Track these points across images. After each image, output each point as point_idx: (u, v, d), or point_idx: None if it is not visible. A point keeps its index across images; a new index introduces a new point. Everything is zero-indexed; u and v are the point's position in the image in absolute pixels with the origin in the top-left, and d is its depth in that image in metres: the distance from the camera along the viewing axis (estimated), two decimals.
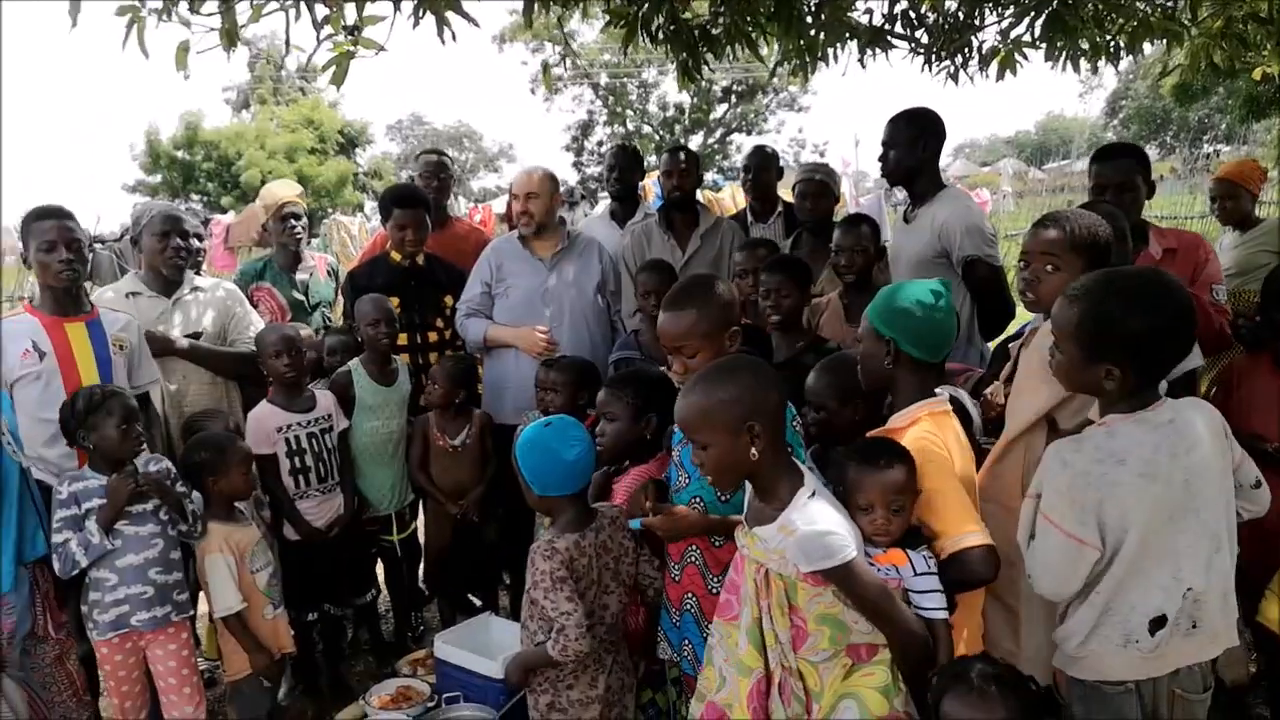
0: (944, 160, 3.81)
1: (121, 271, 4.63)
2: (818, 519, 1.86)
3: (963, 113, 34.92)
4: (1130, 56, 4.36)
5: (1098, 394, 1.95)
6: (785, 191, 4.77)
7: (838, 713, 1.91)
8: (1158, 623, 1.86)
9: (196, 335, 3.58)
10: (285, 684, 3.16)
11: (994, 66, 4.40)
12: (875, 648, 1.93)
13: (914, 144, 3.56)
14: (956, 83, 4.73)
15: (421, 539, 4.06)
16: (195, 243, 3.75)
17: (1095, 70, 4.84)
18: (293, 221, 4.35)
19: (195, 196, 26.64)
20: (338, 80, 3.39)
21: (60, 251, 3.06)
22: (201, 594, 3.25)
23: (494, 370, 4.05)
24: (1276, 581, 2.67)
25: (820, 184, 4.18)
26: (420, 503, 3.99)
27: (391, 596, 4.18)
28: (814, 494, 1.91)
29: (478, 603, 4.18)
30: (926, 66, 4.76)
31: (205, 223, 11.88)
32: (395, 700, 3.40)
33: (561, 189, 4.44)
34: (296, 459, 3.50)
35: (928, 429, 2.11)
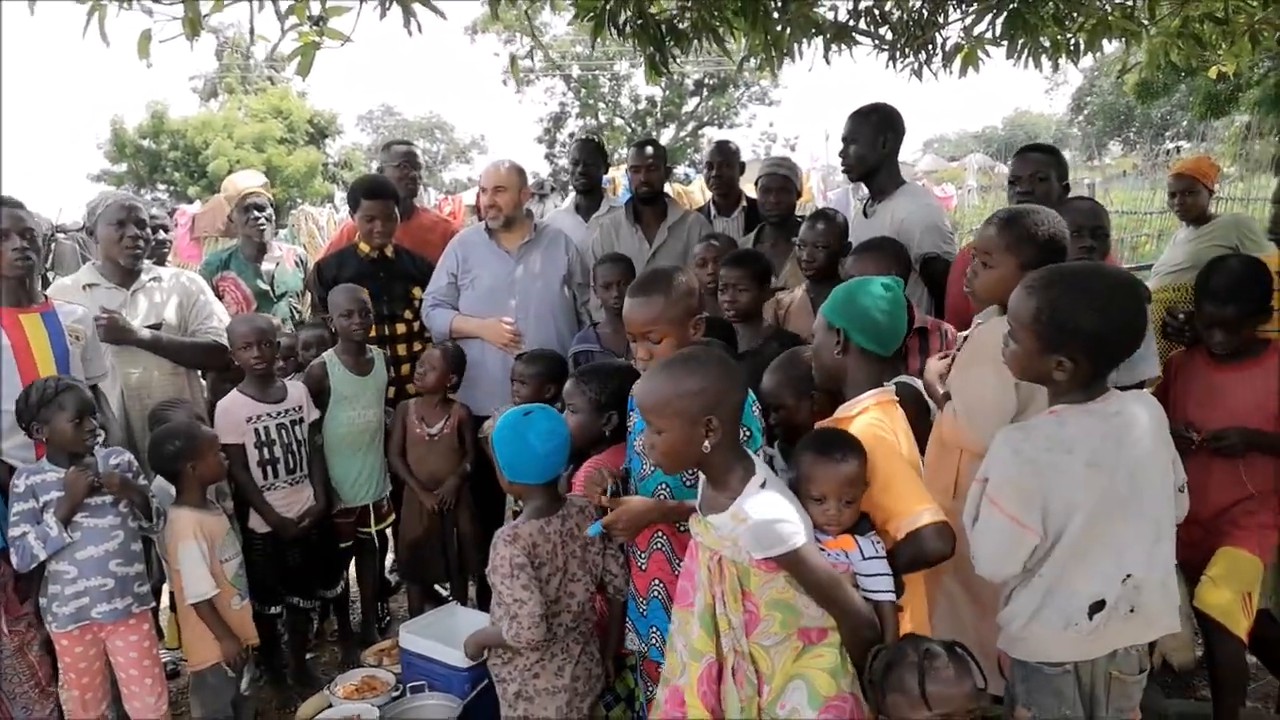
0: (913, 155, 3.89)
1: (84, 261, 4.57)
2: (769, 507, 1.90)
3: (932, 109, 35.23)
4: (1091, 54, 4.44)
5: (1047, 384, 2.00)
6: (748, 186, 4.82)
7: (787, 694, 1.96)
8: (1096, 607, 1.92)
9: (158, 325, 3.56)
10: (248, 674, 3.15)
11: (957, 63, 4.47)
12: (825, 631, 1.98)
13: (874, 139, 3.62)
14: (920, 79, 4.79)
15: (390, 530, 4.06)
16: (159, 233, 3.71)
17: (1056, 67, 4.92)
18: (256, 212, 4.33)
19: (161, 186, 26.25)
20: (303, 70, 3.38)
21: (13, 240, 3.02)
22: (165, 585, 3.26)
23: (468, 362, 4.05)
24: (1212, 567, 2.76)
25: (783, 179, 4.23)
26: (394, 492, 3.99)
27: (360, 587, 4.19)
28: (765, 483, 1.96)
29: (445, 593, 4.20)
30: (891, 63, 4.82)
31: (171, 213, 11.75)
32: (360, 690, 3.41)
33: (532, 181, 4.45)
34: (265, 450, 3.50)
35: (876, 416, 2.17)
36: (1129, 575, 1.92)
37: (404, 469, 3.83)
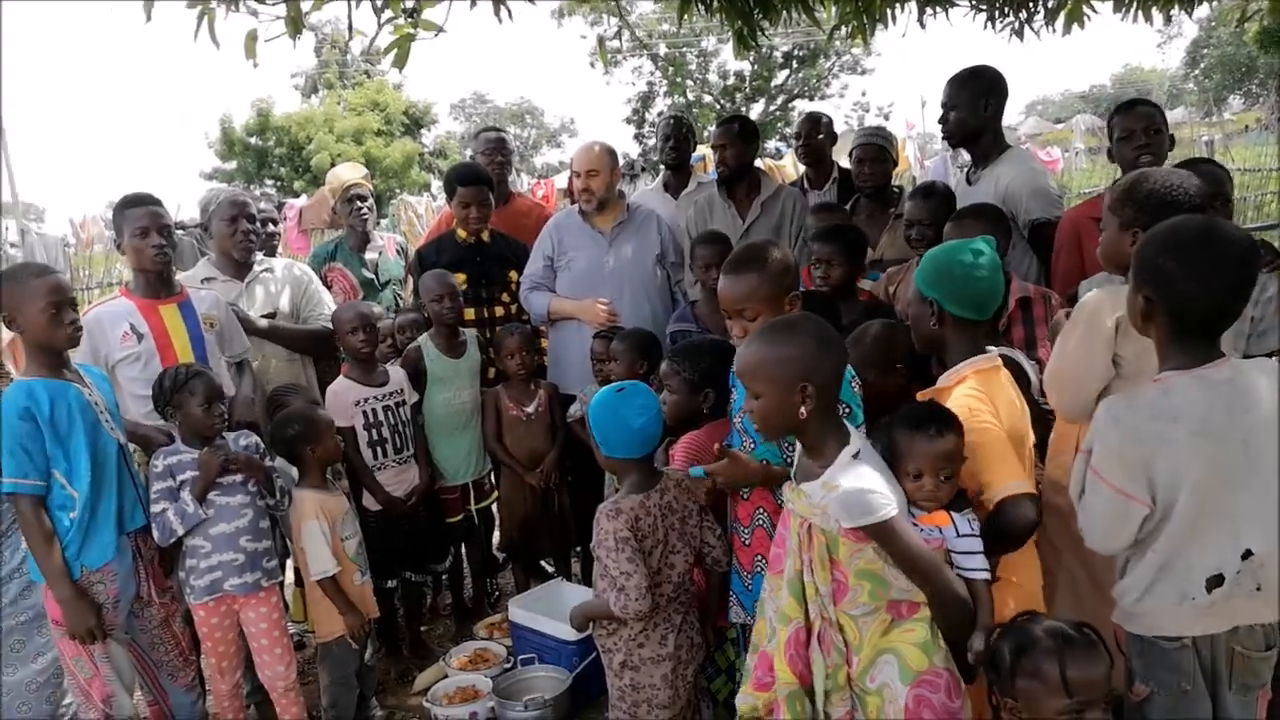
0: (1015, 118, 3.77)
1: (201, 256, 4.83)
2: (860, 477, 1.90)
3: (1034, 69, 33.83)
4: (1207, 2, 4.21)
5: (1134, 322, 1.95)
6: (842, 157, 4.74)
7: (877, 667, 1.96)
8: (1215, 581, 1.85)
9: (272, 314, 3.74)
10: (370, 646, 3.31)
11: (1061, 20, 4.30)
12: (916, 605, 1.97)
13: (975, 104, 3.52)
14: (1021, 39, 4.63)
15: (495, 507, 4.19)
16: (269, 226, 3.89)
17: (1169, 19, 4.68)
18: (359, 203, 4.48)
19: (269, 181, 27.32)
20: (399, 63, 3.48)
21: (153, 237, 3.22)
22: (290, 561, 3.44)
23: (557, 342, 4.15)
24: None
25: (877, 148, 4.15)
26: (495, 472, 4.11)
27: (469, 563, 4.33)
28: (858, 453, 1.96)
29: (550, 569, 4.31)
30: (990, 23, 4.66)
31: (279, 207, 12.24)
32: (473, 662, 3.55)
33: (622, 162, 4.48)
34: (374, 431, 3.65)
35: (974, 386, 2.13)
36: (1249, 551, 1.84)
37: (502, 451, 3.94)
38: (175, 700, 3.10)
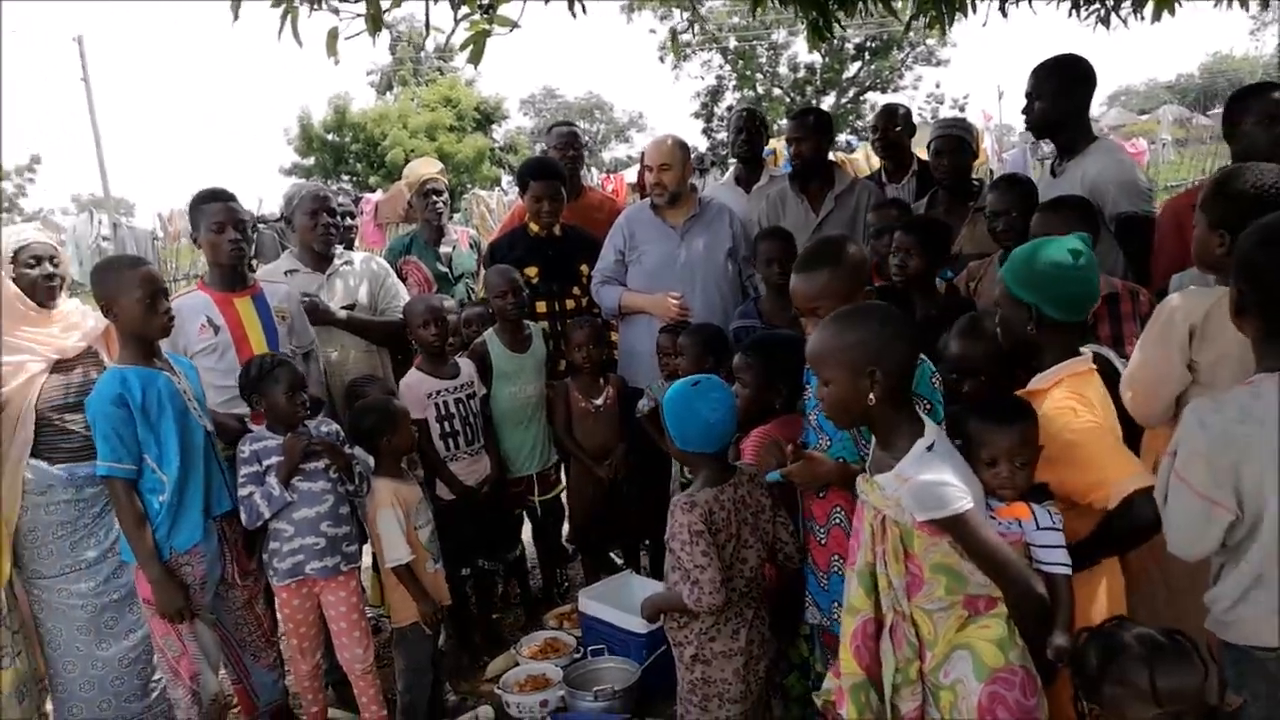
0: (1097, 109, 3.65)
1: (283, 249, 4.96)
2: (934, 469, 1.87)
3: (1117, 58, 32.64)
4: None
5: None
6: (920, 149, 4.66)
7: (951, 663, 1.92)
8: None
9: (351, 306, 3.83)
10: (443, 633, 3.38)
11: (1149, 7, 4.14)
12: (994, 600, 1.93)
13: (1060, 94, 3.41)
14: (1108, 27, 4.48)
15: (564, 499, 4.22)
16: (347, 220, 3.98)
17: (1266, 3, 4.48)
18: (434, 197, 4.55)
19: (345, 177, 27.93)
20: (475, 59, 3.51)
21: (229, 232, 3.32)
22: (368, 546, 3.52)
23: (628, 336, 4.15)
24: None
25: (956, 140, 4.06)
26: (563, 464, 4.15)
27: (538, 554, 4.38)
28: (933, 445, 1.92)
29: (619, 561, 4.34)
30: (1074, 11, 4.52)
31: (356, 201, 12.51)
32: (544, 651, 3.59)
33: (691, 157, 4.47)
34: (446, 423, 3.71)
35: (1071, 388, 2.08)
36: None
37: (571, 443, 3.97)
38: (258, 679, 3.20)
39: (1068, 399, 2.06)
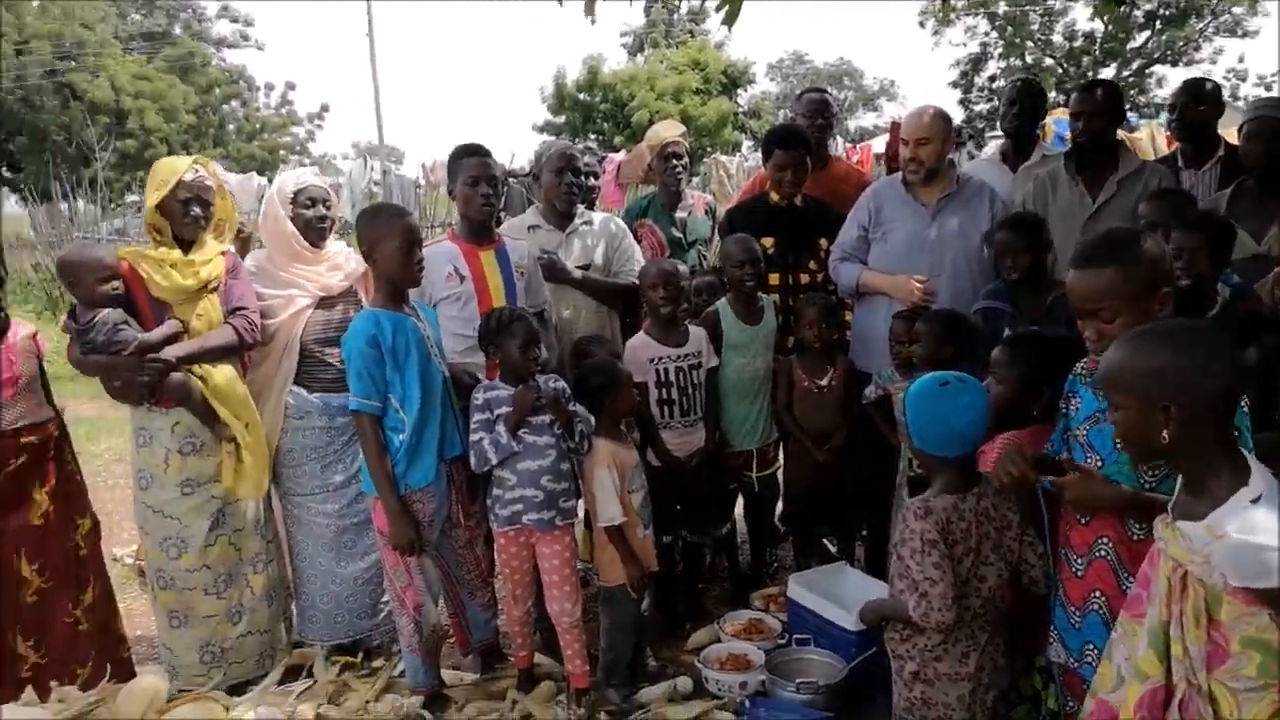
0: None
1: (529, 204, 5.12)
2: (1259, 528, 1.54)
3: None
4: None
5: None
6: (1228, 133, 4.06)
7: None
8: None
9: (586, 266, 3.86)
10: (648, 598, 3.38)
11: None
12: None
13: None
14: None
15: (781, 478, 4.11)
16: (590, 179, 4.01)
17: None
18: (674, 161, 4.51)
19: (592, 136, 28.79)
20: (730, 19, 3.41)
21: (481, 186, 3.43)
22: (581, 502, 3.57)
23: (864, 318, 3.94)
24: None
25: (1275, 123, 3.49)
26: (782, 442, 4.03)
27: (749, 530, 4.30)
28: (1260, 498, 1.58)
29: (833, 549, 4.18)
30: None
31: (600, 160, 12.81)
32: (747, 631, 3.52)
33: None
34: (663, 390, 3.68)
35: None
36: None
37: (791, 422, 3.85)
38: (472, 616, 3.35)
39: None
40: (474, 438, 3.07)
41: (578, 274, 3.81)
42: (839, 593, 3.38)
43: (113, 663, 3.29)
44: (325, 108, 34.20)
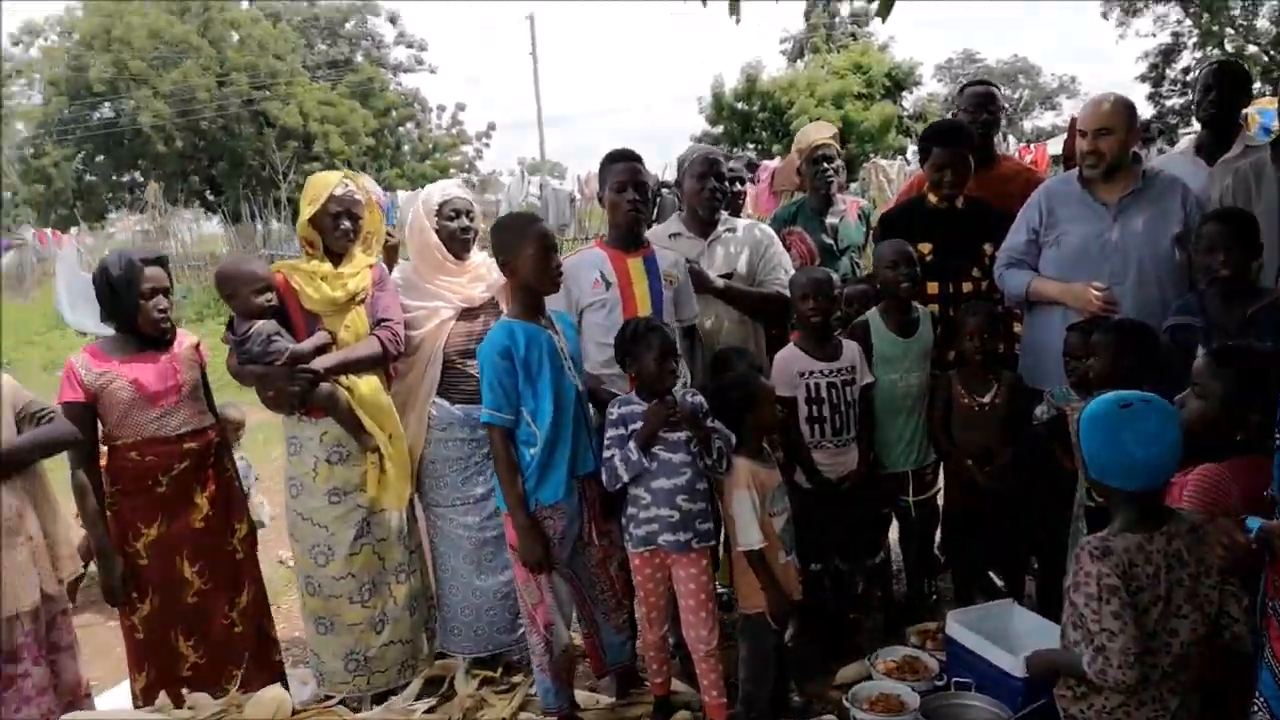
0: None
1: (678, 211, 5.02)
2: None
3: None
4: None
5: None
6: None
7: None
8: None
9: (729, 275, 3.71)
10: (791, 628, 3.18)
11: None
12: None
13: None
14: None
15: (941, 503, 3.83)
16: (735, 185, 3.87)
17: None
18: (825, 164, 4.29)
19: (750, 145, 28.57)
20: (884, 12, 3.20)
21: (629, 192, 3.36)
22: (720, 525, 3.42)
23: (1034, 330, 3.61)
24: None
25: None
26: (942, 464, 3.76)
27: (904, 558, 4.02)
28: None
29: (999, 583, 3.84)
30: None
31: (753, 167, 12.62)
32: (900, 669, 3.26)
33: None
34: (814, 407, 3.48)
35: None
36: None
37: (946, 441, 3.60)
38: (607, 638, 3.25)
39: None
40: (606, 454, 2.98)
41: (719, 283, 3.66)
42: (1005, 633, 3.08)
43: (265, 665, 3.40)
44: (492, 126, 35.66)
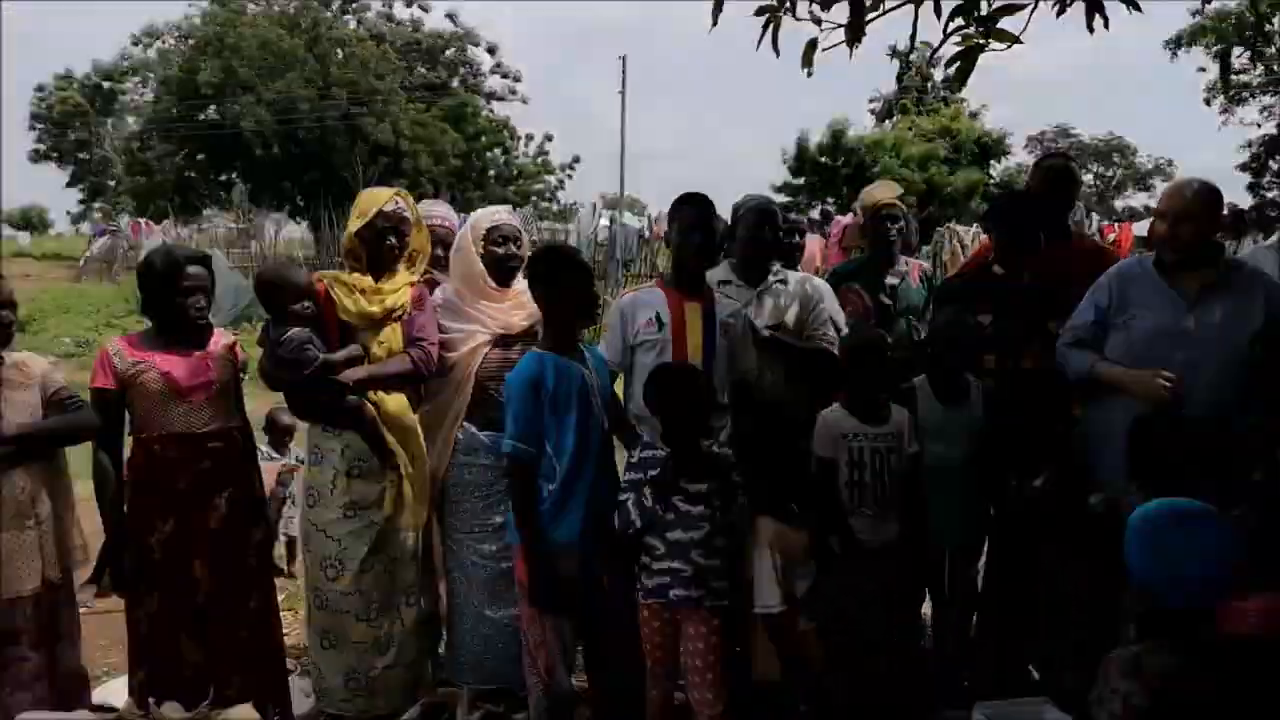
0: None
1: None
2: None
3: None
4: None
5: None
6: None
7: None
8: None
9: (778, 326, 3.60)
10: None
11: None
12: None
13: None
14: None
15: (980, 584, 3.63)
16: (793, 238, 3.78)
17: None
18: (889, 224, 4.18)
19: (830, 200, 28.41)
20: (960, 76, 3.10)
21: (694, 235, 3.34)
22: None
23: (1097, 416, 3.39)
24: None
25: None
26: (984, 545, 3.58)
27: (935, 640, 3.81)
28: None
29: (1035, 675, 3.61)
30: None
31: (828, 218, 12.46)
32: None
33: (1226, 212, 3.55)
34: (855, 471, 3.32)
35: None
36: None
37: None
38: (612, 687, 3.12)
39: None
40: (621, 497, 2.89)
41: (764, 333, 3.56)
42: None
43: (267, 674, 3.35)
44: (576, 159, 36.00)
